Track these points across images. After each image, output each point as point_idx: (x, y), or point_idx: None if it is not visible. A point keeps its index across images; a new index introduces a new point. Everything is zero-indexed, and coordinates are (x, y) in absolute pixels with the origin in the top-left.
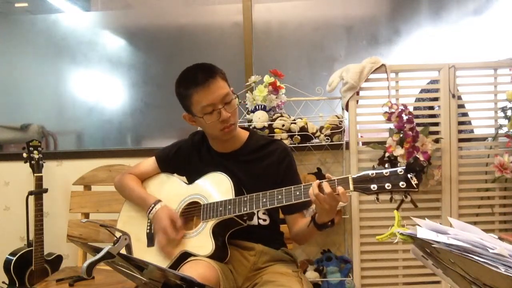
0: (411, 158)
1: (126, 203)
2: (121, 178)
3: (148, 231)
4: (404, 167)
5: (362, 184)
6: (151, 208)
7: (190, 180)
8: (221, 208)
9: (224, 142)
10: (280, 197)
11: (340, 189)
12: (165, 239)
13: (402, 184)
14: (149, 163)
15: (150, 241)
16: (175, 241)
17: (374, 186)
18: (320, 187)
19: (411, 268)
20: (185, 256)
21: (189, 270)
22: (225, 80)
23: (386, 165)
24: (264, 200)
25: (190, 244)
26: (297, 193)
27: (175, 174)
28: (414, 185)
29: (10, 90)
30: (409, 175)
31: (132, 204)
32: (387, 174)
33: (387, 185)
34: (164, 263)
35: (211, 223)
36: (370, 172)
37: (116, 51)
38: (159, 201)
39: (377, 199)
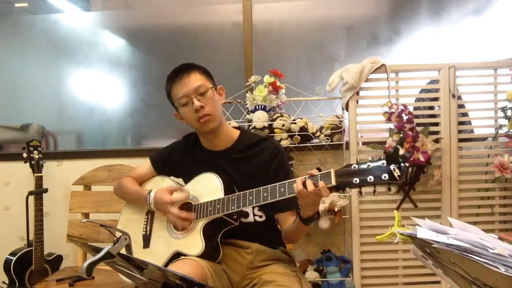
0: (391, 149)
1: (125, 207)
2: (119, 182)
3: (144, 233)
4: (385, 159)
5: (344, 178)
6: (148, 198)
7: (186, 181)
8: (210, 208)
9: (213, 139)
10: (265, 194)
11: (321, 183)
12: (175, 209)
13: (384, 176)
14: (145, 166)
15: (146, 242)
16: (185, 206)
17: (356, 180)
18: (304, 184)
19: (411, 268)
20: (178, 256)
21: (174, 268)
22: (204, 75)
23: (370, 158)
24: (251, 198)
25: (181, 244)
26: (282, 189)
27: (171, 177)
28: (397, 177)
29: (10, 90)
30: (391, 167)
31: (130, 207)
32: (370, 167)
33: (369, 178)
34: (159, 263)
35: (201, 223)
36: (352, 166)
37: (116, 51)
38: (151, 190)
39: (360, 192)
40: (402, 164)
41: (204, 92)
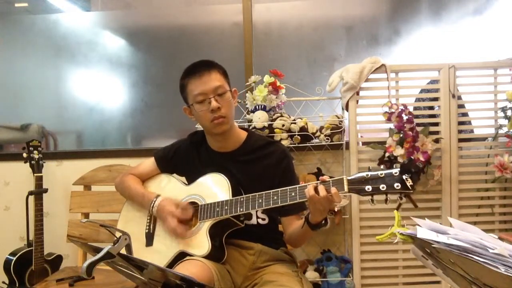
0: (406, 159)
1: (126, 203)
2: (121, 179)
3: (147, 231)
4: (399, 168)
5: (356, 186)
6: (152, 202)
7: (189, 180)
8: (218, 209)
9: (222, 141)
10: (275, 198)
11: (333, 189)
12: (175, 222)
13: (397, 185)
14: (149, 163)
15: (149, 240)
16: (185, 221)
17: (368, 188)
18: (316, 190)
19: (411, 268)
20: (183, 255)
21: (182, 270)
22: (223, 76)
23: (382, 166)
24: (260, 200)
25: (187, 244)
26: (292, 194)
27: (174, 175)
28: (409, 187)
29: (10, 90)
30: (404, 177)
31: (132, 204)
32: (382, 175)
33: (382, 187)
34: (162, 262)
35: (208, 224)
36: (365, 174)
37: (116, 51)
38: (159, 195)
39: (372, 200)
40: (414, 174)
41: (222, 93)
